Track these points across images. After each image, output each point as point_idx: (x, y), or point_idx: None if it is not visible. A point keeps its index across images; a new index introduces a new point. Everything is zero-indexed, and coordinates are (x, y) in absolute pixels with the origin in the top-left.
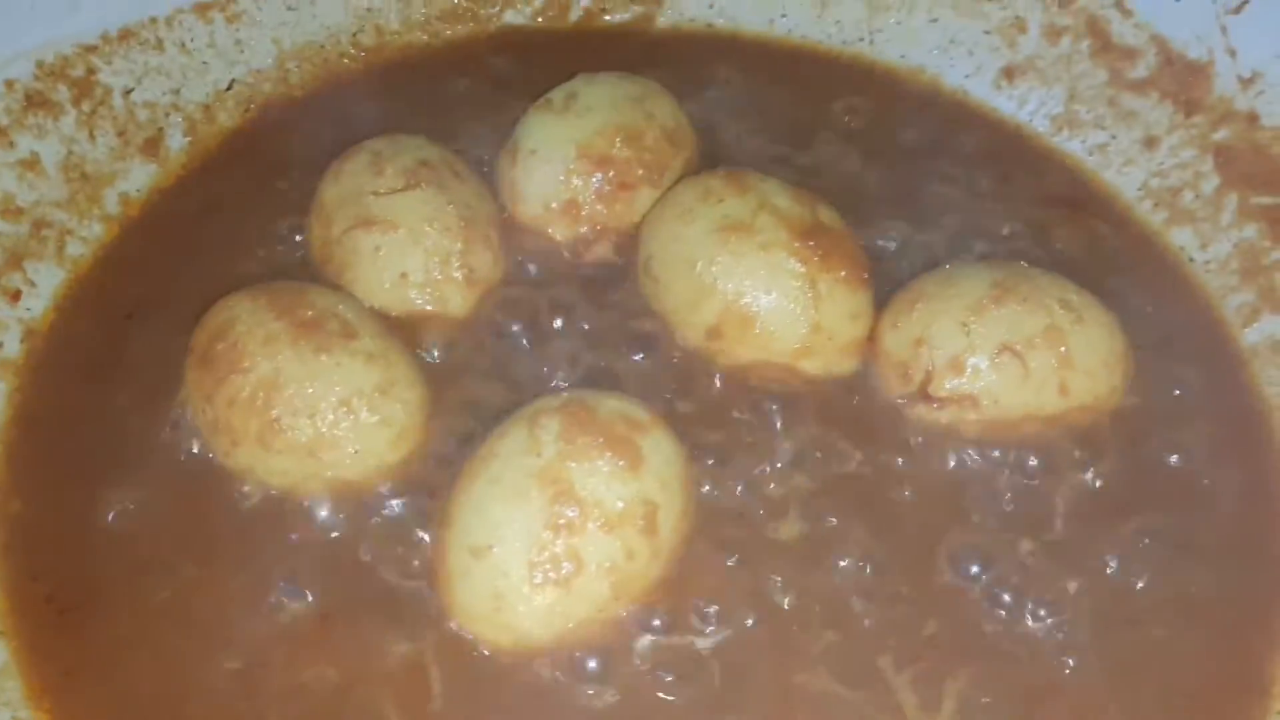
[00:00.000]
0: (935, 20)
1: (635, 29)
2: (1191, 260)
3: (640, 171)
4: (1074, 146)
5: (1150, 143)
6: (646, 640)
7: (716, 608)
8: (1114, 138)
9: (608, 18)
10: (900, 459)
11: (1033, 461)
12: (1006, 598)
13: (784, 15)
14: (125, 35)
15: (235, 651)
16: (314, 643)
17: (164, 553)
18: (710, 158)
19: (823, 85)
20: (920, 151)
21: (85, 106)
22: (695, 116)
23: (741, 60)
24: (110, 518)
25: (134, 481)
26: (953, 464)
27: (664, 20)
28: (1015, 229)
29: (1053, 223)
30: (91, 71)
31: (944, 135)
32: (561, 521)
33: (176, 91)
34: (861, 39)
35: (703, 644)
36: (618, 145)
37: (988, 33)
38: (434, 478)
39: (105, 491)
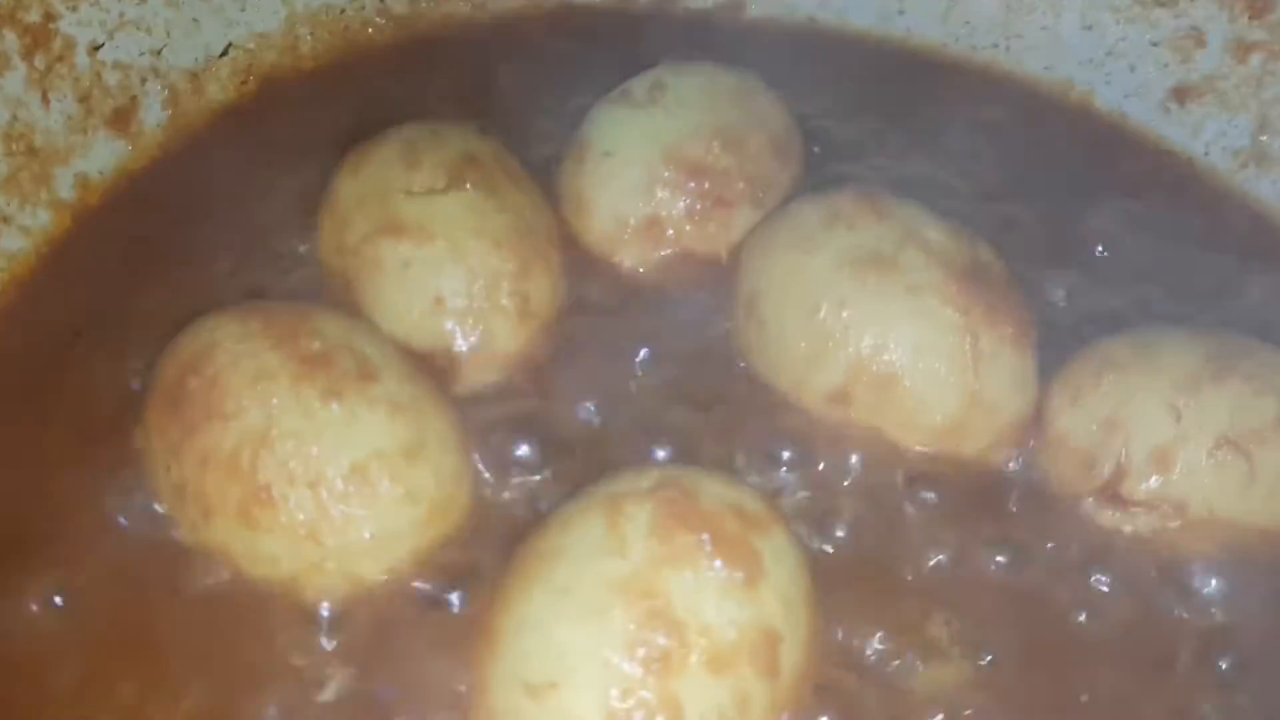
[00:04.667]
0: (1090, 27)
1: (722, 17)
2: None
3: (741, 186)
4: (1263, 188)
5: None
6: None
7: None
8: None
9: (689, 3)
10: (1076, 578)
11: (1257, 591)
12: None
13: (902, 12)
14: None
15: None
16: None
17: (100, 662)
18: (817, 179)
19: (947, 98)
20: (1069, 184)
21: (39, 62)
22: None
23: (849, 63)
24: (30, 608)
25: (64, 560)
26: (1147, 589)
27: (757, 10)
28: (1193, 285)
29: (1239, 281)
30: (51, 17)
31: (1097, 165)
32: (653, 653)
33: (157, 53)
34: (996, 44)
35: None
36: (715, 151)
37: (1155, 45)
38: (476, 577)
39: (25, 571)
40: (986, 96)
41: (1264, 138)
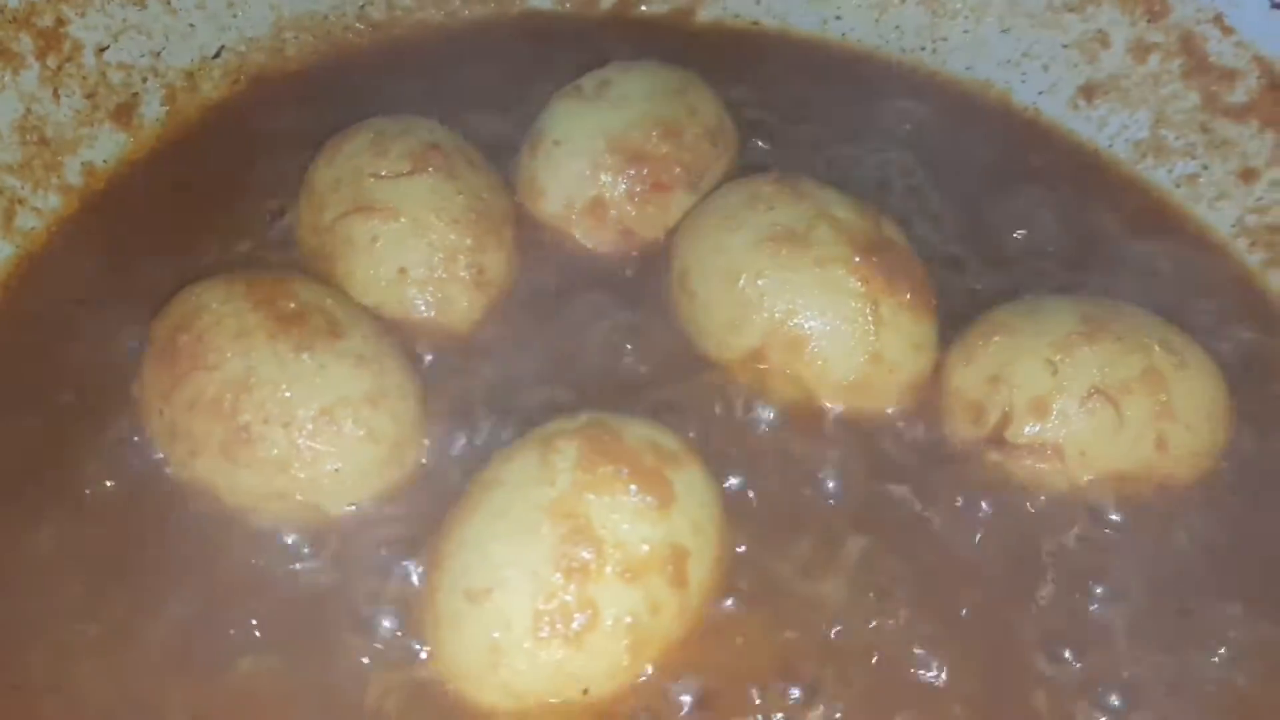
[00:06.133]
0: (1007, 30)
1: (673, 22)
2: None
3: (678, 171)
4: (1159, 176)
5: (1248, 175)
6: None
7: (752, 684)
8: (1206, 168)
9: (644, 8)
10: (965, 513)
11: (1119, 522)
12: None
13: (838, 17)
14: None
15: (178, 712)
16: (275, 703)
17: (98, 581)
18: (750, 166)
19: (878, 95)
20: (986, 172)
21: (51, 61)
22: (735, 120)
23: (789, 63)
24: (38, 535)
25: (69, 494)
26: (1026, 522)
27: (705, 15)
28: (1092, 262)
29: (1134, 258)
30: (62, 22)
31: (1013, 156)
32: (575, 564)
33: (157, 54)
34: (923, 47)
35: None
36: (654, 140)
37: (1066, 46)
38: (427, 505)
39: (34, 504)
40: (914, 94)
41: (1161, 131)
